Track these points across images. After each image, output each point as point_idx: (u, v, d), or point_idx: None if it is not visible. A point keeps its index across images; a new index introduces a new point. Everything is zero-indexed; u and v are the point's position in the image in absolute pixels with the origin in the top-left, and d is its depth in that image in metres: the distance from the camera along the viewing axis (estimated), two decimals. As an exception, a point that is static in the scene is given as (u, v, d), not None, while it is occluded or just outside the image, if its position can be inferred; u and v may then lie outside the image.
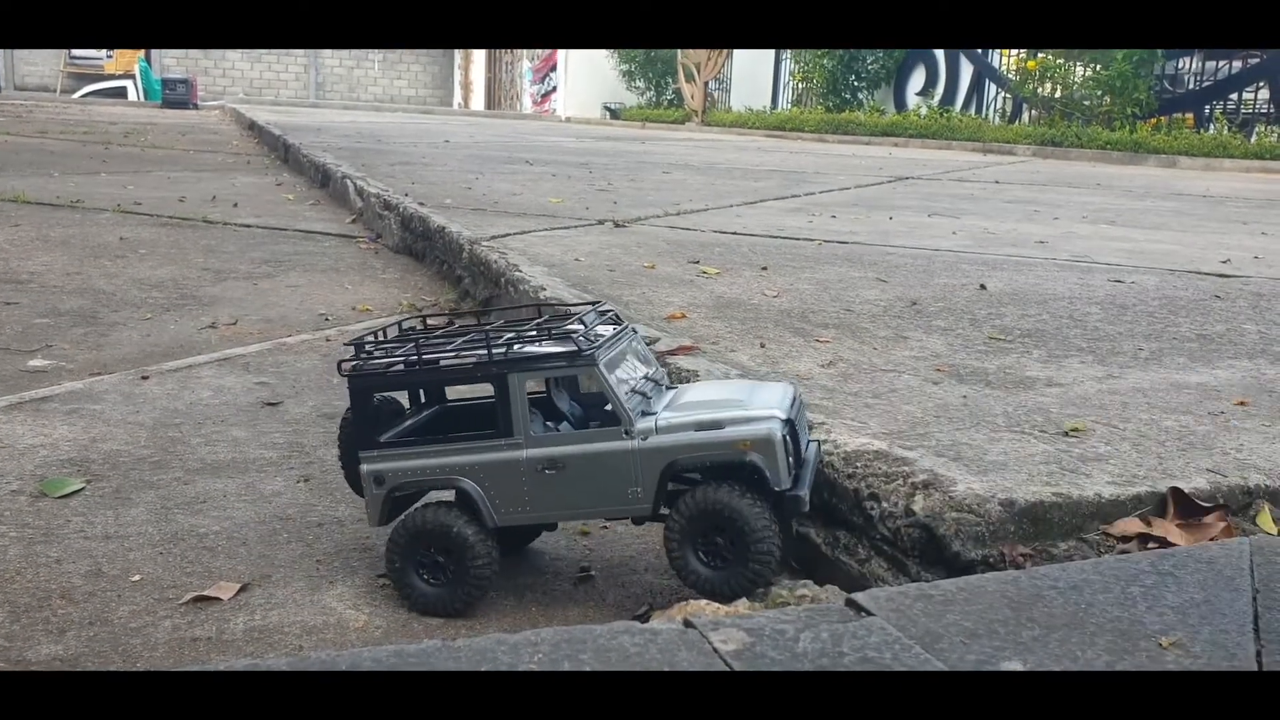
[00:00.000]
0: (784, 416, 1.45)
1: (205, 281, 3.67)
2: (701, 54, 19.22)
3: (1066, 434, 1.82)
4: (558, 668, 1.02)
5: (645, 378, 1.57)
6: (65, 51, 25.47)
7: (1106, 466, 1.67)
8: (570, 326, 1.52)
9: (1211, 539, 1.48)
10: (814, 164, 9.23)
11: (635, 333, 1.65)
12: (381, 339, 1.56)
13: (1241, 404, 2.06)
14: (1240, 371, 2.33)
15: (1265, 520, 1.59)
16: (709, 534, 1.43)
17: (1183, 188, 8.07)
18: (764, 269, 3.46)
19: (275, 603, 1.50)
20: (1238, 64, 13.06)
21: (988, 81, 15.70)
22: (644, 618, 1.30)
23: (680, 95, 20.34)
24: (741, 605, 1.34)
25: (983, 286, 3.27)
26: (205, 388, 2.47)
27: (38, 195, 5.59)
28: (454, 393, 1.69)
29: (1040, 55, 14.14)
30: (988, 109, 15.71)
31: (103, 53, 25.93)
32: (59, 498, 1.82)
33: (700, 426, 1.44)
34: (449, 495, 1.52)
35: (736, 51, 19.48)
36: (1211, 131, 12.64)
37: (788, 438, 1.44)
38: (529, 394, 1.48)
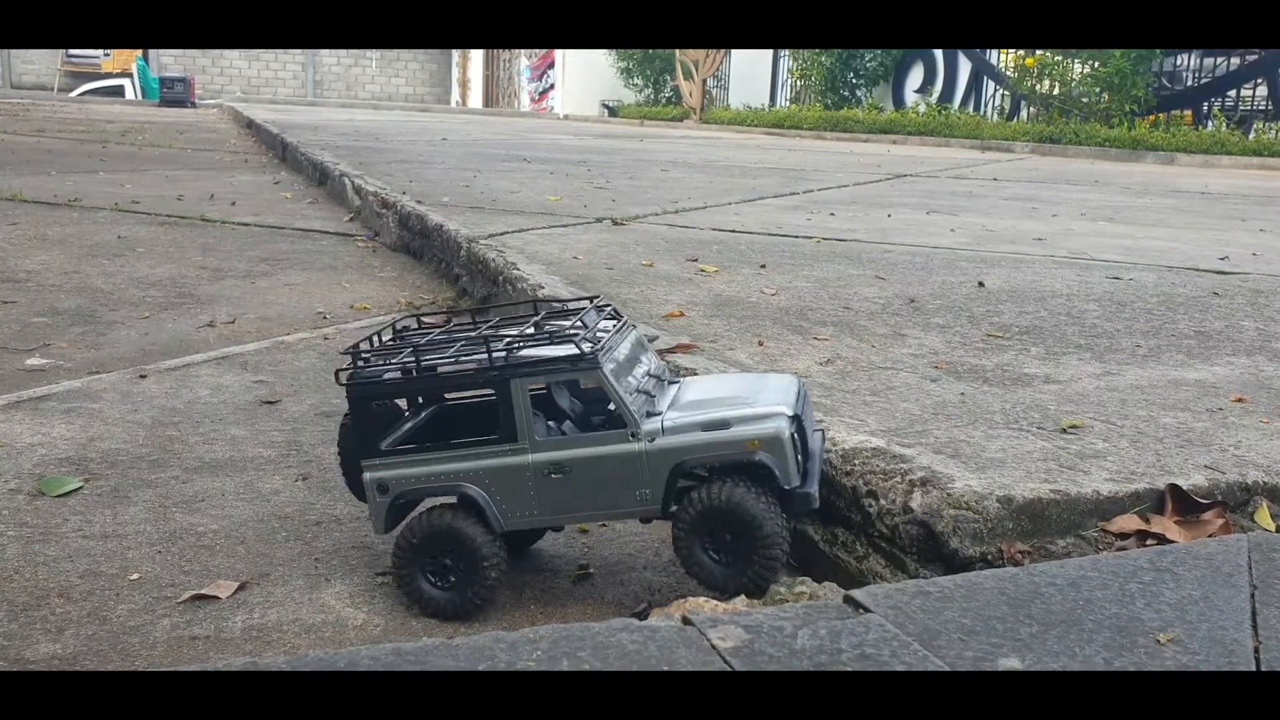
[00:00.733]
0: (791, 413, 1.43)
1: (203, 280, 3.67)
2: (699, 51, 19.21)
3: (1065, 431, 1.82)
4: (556, 666, 1.02)
5: (648, 373, 1.55)
6: (62, 50, 25.44)
7: (1105, 463, 1.67)
8: (571, 329, 1.49)
9: (1210, 536, 1.48)
10: (812, 161, 9.23)
11: (635, 327, 1.63)
12: (378, 345, 1.54)
13: (1240, 401, 2.06)
14: (1238, 368, 2.33)
15: (1263, 517, 1.59)
16: (717, 531, 1.42)
17: (1181, 185, 8.08)
18: (762, 267, 3.46)
19: (273, 601, 1.50)
20: (1236, 61, 13.07)
21: (986, 79, 15.70)
22: (643, 615, 1.30)
23: (678, 93, 20.33)
24: (740, 602, 1.34)
25: (981, 284, 3.27)
26: (203, 386, 2.47)
27: (35, 194, 5.59)
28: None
29: (1038, 52, 14.14)
30: (986, 106, 15.71)
31: (100, 51, 25.90)
32: (57, 497, 1.82)
33: (707, 426, 1.43)
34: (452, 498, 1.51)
35: (734, 49, 19.47)
36: (1210, 128, 12.65)
37: (795, 435, 1.42)
38: (529, 391, 1.46)
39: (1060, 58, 13.98)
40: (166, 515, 1.76)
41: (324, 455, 2.03)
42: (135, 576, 1.55)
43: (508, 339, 1.49)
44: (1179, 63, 13.66)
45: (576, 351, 1.42)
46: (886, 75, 17.34)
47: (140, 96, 24.11)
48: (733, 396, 1.48)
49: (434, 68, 29.66)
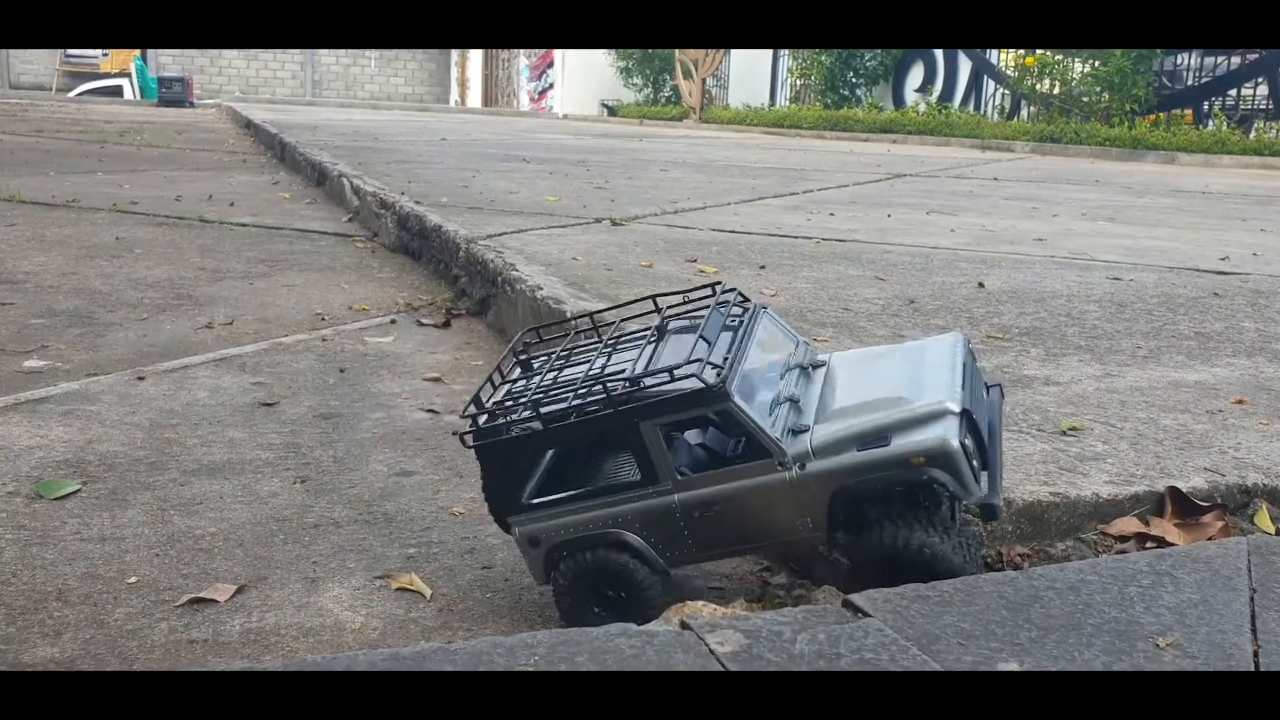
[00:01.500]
0: (958, 408, 1.26)
1: (201, 281, 3.66)
2: (699, 51, 19.20)
3: (1064, 433, 1.82)
4: (554, 669, 1.02)
5: (788, 366, 1.41)
6: (61, 50, 25.43)
7: (1104, 466, 1.66)
8: (691, 358, 1.31)
9: (1209, 539, 1.48)
10: (812, 161, 9.22)
11: (764, 311, 1.47)
12: (500, 401, 1.41)
13: (1240, 402, 2.06)
14: (1239, 370, 2.33)
15: (1263, 519, 1.59)
16: (903, 576, 1.26)
17: (1181, 184, 8.07)
18: (762, 267, 3.46)
19: (272, 604, 1.50)
20: (1236, 60, 13.06)
21: (986, 78, 15.69)
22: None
23: (678, 92, 20.32)
24: (738, 606, 1.34)
25: (981, 284, 3.26)
26: (201, 388, 2.46)
27: (33, 194, 5.58)
28: None
29: (1039, 52, 14.14)
30: (986, 105, 15.71)
31: (98, 51, 25.89)
32: (55, 499, 1.81)
33: (863, 442, 1.27)
34: None
35: (734, 49, 19.46)
36: (1210, 128, 12.64)
37: (967, 440, 1.25)
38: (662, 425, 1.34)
39: (1061, 57, 13.97)
40: (164, 518, 1.76)
41: (322, 458, 2.03)
42: (133, 579, 1.55)
43: (625, 375, 1.33)
44: (1179, 62, 13.65)
45: (700, 385, 1.27)
46: (886, 74, 17.34)
47: (138, 96, 24.11)
48: (888, 397, 1.32)
49: (433, 67, 29.65)
